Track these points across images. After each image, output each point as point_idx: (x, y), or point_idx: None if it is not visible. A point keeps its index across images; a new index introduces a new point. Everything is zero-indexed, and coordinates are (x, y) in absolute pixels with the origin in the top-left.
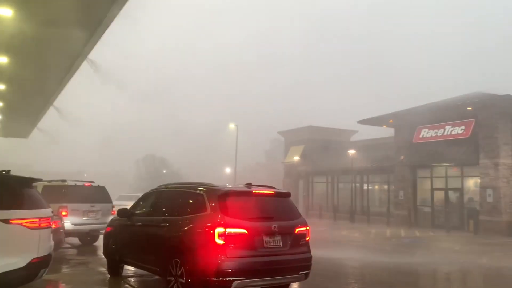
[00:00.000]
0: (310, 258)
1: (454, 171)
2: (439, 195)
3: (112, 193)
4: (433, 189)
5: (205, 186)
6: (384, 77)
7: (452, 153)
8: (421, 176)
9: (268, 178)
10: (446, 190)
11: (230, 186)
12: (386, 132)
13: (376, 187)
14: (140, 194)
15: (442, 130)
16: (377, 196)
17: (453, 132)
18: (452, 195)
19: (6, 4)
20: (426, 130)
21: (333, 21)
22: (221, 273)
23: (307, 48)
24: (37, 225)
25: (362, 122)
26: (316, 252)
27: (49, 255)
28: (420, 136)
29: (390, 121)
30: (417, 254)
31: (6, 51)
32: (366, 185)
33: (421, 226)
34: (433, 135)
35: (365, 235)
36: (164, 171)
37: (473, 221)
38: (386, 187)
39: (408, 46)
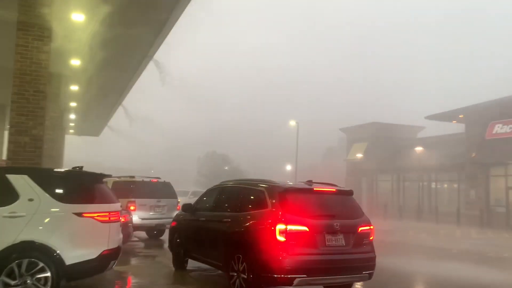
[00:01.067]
0: (374, 258)
1: None
2: None
3: (177, 189)
4: (508, 188)
5: (266, 183)
6: (455, 69)
7: None
8: (495, 174)
9: (330, 176)
10: None
11: (291, 183)
12: (456, 128)
13: (445, 185)
14: (188, 189)
15: None
16: (446, 195)
17: None
18: None
19: (78, 9)
20: (500, 125)
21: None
22: (282, 269)
23: (371, 41)
24: (107, 218)
25: (430, 117)
26: (379, 254)
27: (118, 248)
28: (493, 131)
29: (461, 116)
30: (489, 259)
31: (79, 54)
32: (434, 183)
33: (495, 227)
34: (508, 130)
35: (434, 236)
36: (226, 168)
37: None
38: (455, 185)
39: (478, 37)
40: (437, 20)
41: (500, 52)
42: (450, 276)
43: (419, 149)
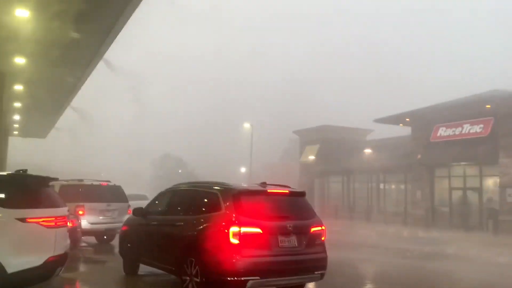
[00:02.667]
0: (325, 258)
1: (472, 170)
2: (457, 195)
3: (129, 192)
4: (451, 189)
5: (220, 185)
6: (401, 74)
7: (470, 152)
8: (439, 175)
9: (283, 178)
10: (464, 189)
11: (245, 186)
12: (402, 131)
13: (393, 186)
14: (141, 193)
15: (460, 128)
16: (394, 196)
17: (471, 131)
18: (471, 195)
19: (22, 5)
20: (444, 128)
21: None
22: (235, 272)
23: (322, 45)
24: (53, 224)
25: (378, 120)
26: (332, 253)
27: (65, 254)
28: (438, 134)
29: (407, 119)
30: (434, 255)
31: (24, 52)
32: (383, 184)
33: (439, 226)
34: (451, 133)
35: (381, 235)
36: (180, 171)
37: (493, 221)
38: (403, 186)
39: (426, 42)
40: (386, 22)
41: (447, 57)
42: (397, 272)
43: (368, 151)
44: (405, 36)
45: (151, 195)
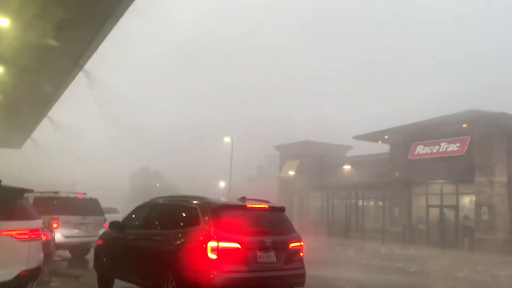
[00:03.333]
0: (304, 274)
1: (449, 188)
2: (434, 212)
3: (106, 205)
4: (428, 206)
5: (199, 199)
6: (380, 92)
7: (447, 170)
8: (416, 193)
9: (263, 193)
10: (441, 207)
11: (224, 200)
12: (381, 148)
13: (371, 203)
14: (110, 206)
15: (437, 147)
16: (372, 213)
17: (448, 149)
18: (447, 213)
19: (2, 13)
20: (422, 146)
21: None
22: None
23: (303, 60)
24: (27, 236)
25: (358, 137)
26: (310, 270)
27: (38, 268)
28: (416, 152)
29: (386, 137)
30: (412, 272)
31: (1, 60)
32: (361, 201)
33: (416, 243)
34: (429, 151)
35: (359, 252)
36: (158, 184)
37: (469, 238)
38: (381, 203)
39: (405, 60)
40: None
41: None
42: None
43: (347, 167)
44: (390, 52)
45: (125, 209)
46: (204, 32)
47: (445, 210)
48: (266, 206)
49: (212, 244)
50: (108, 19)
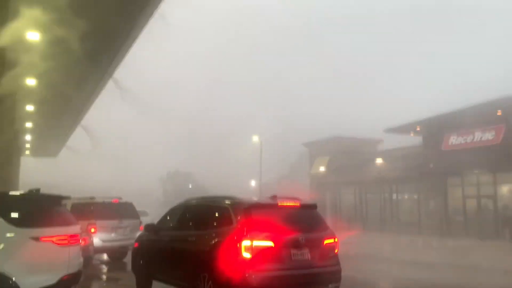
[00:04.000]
0: (339, 271)
1: (486, 178)
2: (471, 203)
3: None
4: (464, 197)
5: (231, 200)
6: (410, 82)
7: (483, 159)
8: (452, 184)
9: (294, 191)
10: (478, 197)
11: (255, 199)
12: (413, 140)
13: (406, 196)
14: (141, 209)
15: (471, 136)
16: (407, 206)
17: (483, 138)
18: (485, 203)
19: (33, 28)
20: (455, 137)
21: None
22: (249, 287)
23: (331, 56)
24: (66, 242)
25: (389, 130)
26: (345, 266)
27: (79, 272)
28: (449, 143)
29: (417, 128)
30: (450, 266)
31: (35, 73)
32: (395, 195)
33: (454, 235)
34: (462, 141)
35: (396, 246)
36: (190, 186)
37: (509, 229)
38: (416, 196)
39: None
40: (393, 31)
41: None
42: (413, 285)
43: (379, 161)
44: (416, 41)
45: (157, 212)
46: (233, 26)
47: (482, 200)
48: (298, 204)
49: (245, 243)
50: (133, 28)
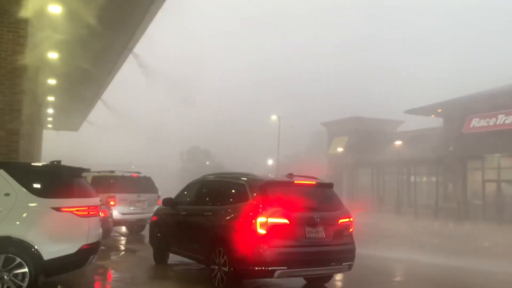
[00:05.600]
0: (353, 250)
1: (507, 162)
2: (490, 187)
3: (159, 184)
4: (484, 181)
5: (247, 176)
6: (431, 64)
7: (505, 143)
8: (472, 167)
9: (311, 170)
10: (498, 181)
11: (272, 176)
12: (434, 122)
13: (424, 179)
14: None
15: (494, 119)
16: (424, 189)
17: (506, 122)
18: (506, 187)
19: (55, 1)
20: (477, 119)
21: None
22: (263, 262)
23: (350, 36)
24: (86, 213)
25: (409, 112)
26: (359, 246)
27: (98, 242)
28: (471, 125)
29: (439, 110)
30: (465, 249)
31: (56, 47)
32: (413, 177)
33: (471, 219)
34: (485, 124)
35: (412, 228)
36: (208, 163)
37: None
38: (434, 179)
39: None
40: (416, 14)
41: (479, 48)
42: (427, 268)
43: (398, 143)
44: (437, 24)
45: (174, 188)
46: (251, 5)
47: (502, 184)
48: (314, 183)
49: (261, 219)
50: (154, 1)
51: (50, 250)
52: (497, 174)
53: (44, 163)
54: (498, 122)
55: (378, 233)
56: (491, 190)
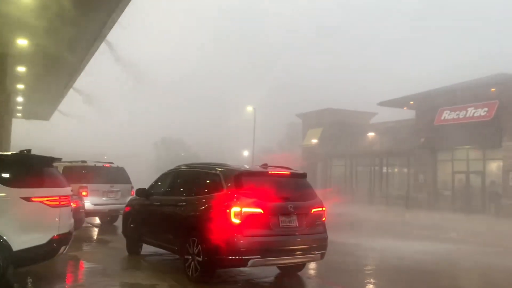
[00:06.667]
0: (326, 239)
1: (475, 154)
2: (460, 178)
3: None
4: (454, 172)
5: (222, 166)
6: (404, 58)
7: (474, 135)
8: (442, 159)
9: (286, 161)
10: (467, 173)
11: (246, 167)
12: (406, 114)
13: (396, 170)
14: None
15: (464, 112)
16: (396, 179)
17: (475, 114)
18: (474, 179)
19: None
20: (448, 112)
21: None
22: (237, 251)
23: (326, 28)
24: (57, 203)
25: (382, 104)
26: (332, 234)
27: (69, 233)
28: (442, 118)
29: (411, 102)
30: (434, 238)
31: (26, 33)
32: (386, 168)
33: (441, 209)
34: (455, 117)
35: (383, 218)
36: (183, 154)
37: (495, 204)
38: (405, 170)
39: (431, 23)
40: (390, 7)
41: (451, 40)
42: (397, 256)
43: (371, 134)
44: (412, 17)
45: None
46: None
47: (471, 176)
48: (288, 173)
49: (235, 209)
50: None
51: (19, 240)
52: (466, 166)
53: (13, 152)
54: (468, 115)
55: (350, 223)
56: (460, 181)
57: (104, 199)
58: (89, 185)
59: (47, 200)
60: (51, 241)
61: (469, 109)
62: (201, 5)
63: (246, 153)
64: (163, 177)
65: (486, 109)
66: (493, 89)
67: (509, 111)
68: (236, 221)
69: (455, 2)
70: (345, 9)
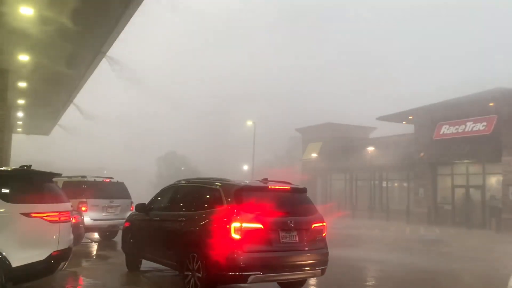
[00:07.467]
0: (326, 254)
1: (475, 168)
2: (460, 193)
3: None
4: (453, 187)
5: (222, 182)
6: (403, 73)
7: (473, 149)
8: (442, 173)
9: (285, 175)
10: (467, 187)
11: (246, 182)
12: (406, 128)
13: (396, 184)
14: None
15: (463, 126)
16: (396, 194)
17: (474, 129)
18: (474, 193)
19: (26, 3)
20: (447, 126)
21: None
22: (237, 267)
23: (325, 44)
24: (57, 219)
25: (382, 118)
26: (333, 250)
27: (69, 249)
28: (441, 132)
29: (410, 117)
30: (436, 253)
31: (27, 49)
32: (385, 182)
33: (441, 223)
34: (454, 131)
35: (384, 232)
36: (183, 168)
37: (495, 219)
38: (405, 184)
39: (429, 41)
40: (389, 22)
41: (451, 55)
42: (398, 270)
43: (370, 149)
44: (410, 34)
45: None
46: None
47: (471, 190)
48: (288, 188)
49: (235, 224)
50: (129, 5)
51: (19, 256)
52: (466, 180)
53: (14, 168)
54: (466, 129)
55: (352, 238)
56: (460, 196)
57: (103, 214)
58: (88, 200)
59: (47, 216)
60: (50, 257)
61: (468, 124)
62: (200, 19)
63: (246, 167)
64: (163, 192)
65: (484, 123)
66: (491, 104)
67: (508, 125)
68: (236, 236)
69: (457, 20)
70: (343, 23)
